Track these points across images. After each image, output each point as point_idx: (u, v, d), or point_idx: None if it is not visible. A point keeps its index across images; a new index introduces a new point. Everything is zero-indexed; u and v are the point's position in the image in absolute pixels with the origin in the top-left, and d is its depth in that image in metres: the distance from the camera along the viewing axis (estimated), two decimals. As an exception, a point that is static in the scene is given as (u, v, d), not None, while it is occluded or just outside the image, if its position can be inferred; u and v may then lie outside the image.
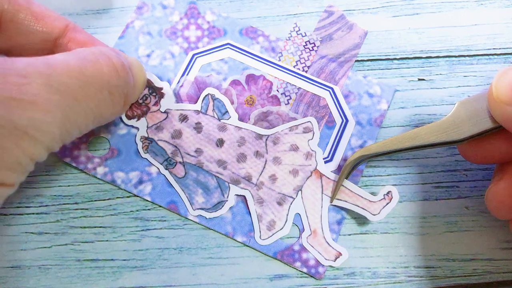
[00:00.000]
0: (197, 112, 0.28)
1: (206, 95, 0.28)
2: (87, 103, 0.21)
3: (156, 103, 0.28)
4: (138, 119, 0.28)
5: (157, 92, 0.28)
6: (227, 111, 0.28)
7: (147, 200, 0.27)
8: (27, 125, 0.19)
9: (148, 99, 0.28)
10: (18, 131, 0.19)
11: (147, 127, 0.28)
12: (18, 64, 0.19)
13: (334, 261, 0.26)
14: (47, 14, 0.25)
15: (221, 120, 0.28)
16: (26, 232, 0.27)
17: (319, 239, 0.27)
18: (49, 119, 0.20)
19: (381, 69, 0.30)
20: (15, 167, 0.19)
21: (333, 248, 0.26)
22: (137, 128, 0.28)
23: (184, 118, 0.28)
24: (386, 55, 0.30)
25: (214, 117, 0.28)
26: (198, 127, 0.28)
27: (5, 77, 0.19)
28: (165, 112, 0.28)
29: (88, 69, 0.21)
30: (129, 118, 0.28)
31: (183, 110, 0.28)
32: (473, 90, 0.29)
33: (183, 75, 0.29)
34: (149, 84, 0.28)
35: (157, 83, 0.28)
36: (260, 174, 0.27)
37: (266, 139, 0.28)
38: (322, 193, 0.27)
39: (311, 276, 0.26)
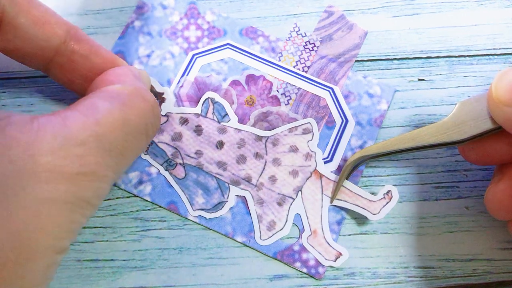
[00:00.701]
0: (197, 115, 0.28)
1: (206, 99, 0.28)
2: (129, 153, 0.22)
3: None
4: (139, 121, 0.28)
5: (158, 97, 0.28)
6: (226, 114, 0.28)
7: (147, 201, 0.27)
8: (92, 196, 0.20)
9: None
10: (84, 203, 0.20)
11: (147, 129, 0.28)
12: (74, 127, 0.20)
13: (335, 261, 0.26)
14: (47, 20, 0.24)
15: (221, 123, 0.28)
16: (26, 233, 0.27)
17: (319, 239, 0.27)
18: (106, 183, 0.21)
19: (381, 69, 0.30)
20: (77, 231, 0.20)
21: (333, 248, 0.26)
22: (137, 130, 0.28)
23: (184, 121, 0.28)
24: (386, 55, 0.30)
25: (214, 120, 0.28)
26: (198, 130, 0.28)
27: (68, 149, 0.19)
28: (165, 115, 0.28)
29: (130, 118, 0.21)
30: None
31: (183, 113, 0.28)
32: (473, 91, 0.29)
33: (183, 75, 0.29)
34: (151, 89, 0.28)
35: (158, 88, 0.28)
36: (260, 175, 0.27)
37: (266, 141, 0.28)
38: (322, 193, 0.27)
39: (311, 276, 0.26)
